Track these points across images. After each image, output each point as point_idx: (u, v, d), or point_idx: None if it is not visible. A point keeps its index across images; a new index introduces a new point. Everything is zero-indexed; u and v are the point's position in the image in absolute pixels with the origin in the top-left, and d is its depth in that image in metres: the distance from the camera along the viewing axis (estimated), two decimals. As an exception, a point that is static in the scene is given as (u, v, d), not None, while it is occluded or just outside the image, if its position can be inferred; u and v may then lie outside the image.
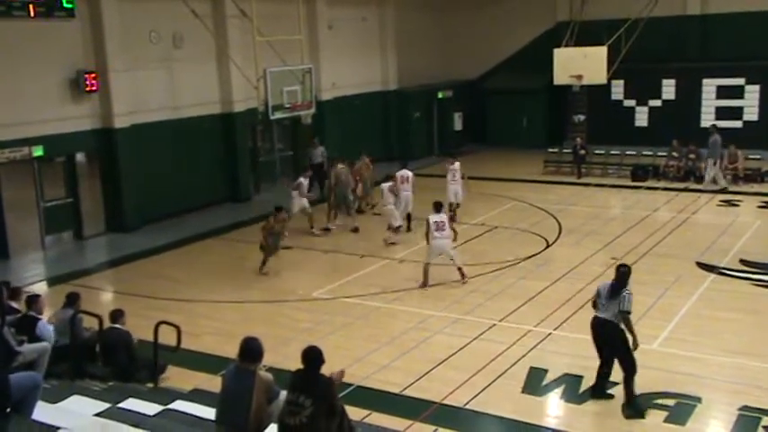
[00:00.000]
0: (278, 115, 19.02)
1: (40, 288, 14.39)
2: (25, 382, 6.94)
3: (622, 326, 8.83)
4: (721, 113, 25.84)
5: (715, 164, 21.67)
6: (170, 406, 8.23)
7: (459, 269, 13.89)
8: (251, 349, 6.54)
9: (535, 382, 9.88)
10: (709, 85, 26.34)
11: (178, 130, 20.18)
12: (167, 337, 9.54)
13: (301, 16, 20.43)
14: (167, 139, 19.91)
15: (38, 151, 17.05)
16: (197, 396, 8.80)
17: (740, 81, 25.85)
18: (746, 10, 25.72)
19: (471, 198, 19.26)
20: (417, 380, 10.03)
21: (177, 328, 9.47)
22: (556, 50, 23.95)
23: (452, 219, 17.43)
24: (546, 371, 10.17)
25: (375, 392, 9.71)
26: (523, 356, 10.66)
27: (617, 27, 23.53)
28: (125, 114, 18.63)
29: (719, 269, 14.30)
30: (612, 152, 24.66)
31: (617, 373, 9.13)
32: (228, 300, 13.71)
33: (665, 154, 23.32)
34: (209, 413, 7.35)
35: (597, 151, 24.82)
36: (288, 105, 19.06)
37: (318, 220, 18.21)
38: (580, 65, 23.18)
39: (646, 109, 27.50)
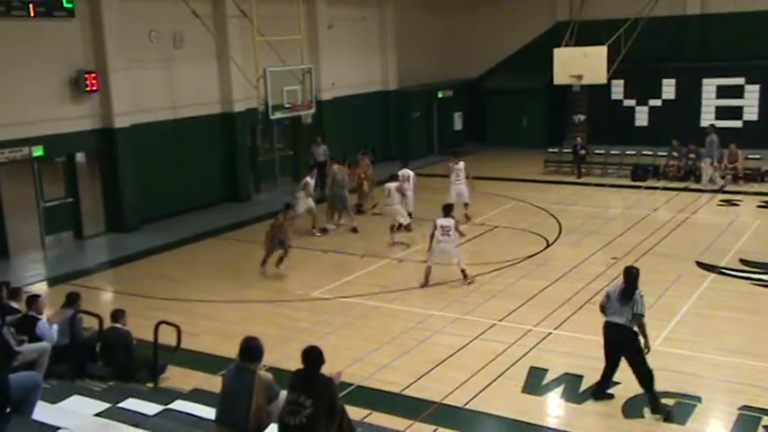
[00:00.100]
0: (278, 115, 19.04)
1: (40, 288, 14.40)
2: (25, 382, 6.95)
3: (636, 329, 8.76)
4: (721, 113, 25.88)
5: (711, 164, 21.71)
6: (170, 406, 8.23)
7: (463, 271, 13.89)
8: (251, 349, 6.54)
9: (535, 382, 9.88)
10: (709, 85, 26.39)
11: (178, 130, 20.18)
12: (167, 337, 9.55)
13: (301, 16, 20.45)
14: (167, 138, 19.92)
15: (38, 151, 17.05)
16: (197, 396, 8.80)
17: (740, 81, 25.89)
18: (746, 10, 25.75)
19: (472, 198, 19.23)
20: (417, 380, 10.03)
21: (177, 327, 9.47)
22: (556, 50, 23.96)
23: (467, 218, 17.49)
24: (546, 370, 10.17)
25: (375, 392, 9.71)
26: (523, 356, 10.66)
27: (617, 27, 23.54)
28: (125, 114, 18.62)
29: (719, 269, 14.29)
30: (612, 152, 24.66)
31: (618, 374, 9.13)
32: (228, 299, 13.70)
33: (665, 154, 23.32)
34: (209, 413, 7.36)
35: (597, 151, 24.82)
36: (288, 105, 19.08)
37: (319, 220, 18.22)
38: (580, 65, 23.19)
39: (646, 109, 27.54)
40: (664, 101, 27.22)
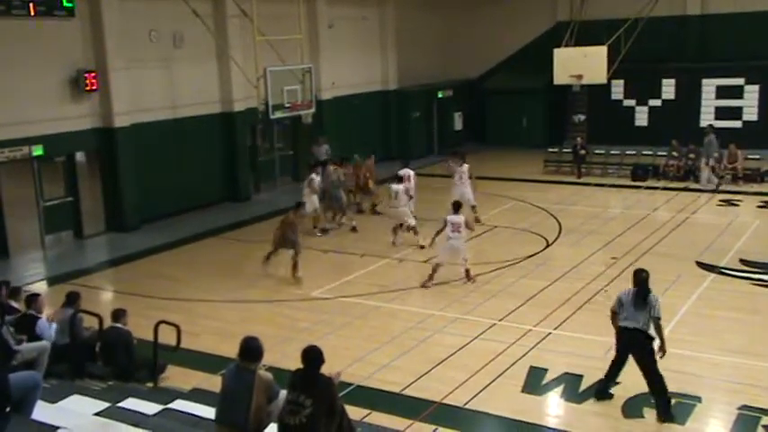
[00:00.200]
0: (278, 115, 19.03)
1: (40, 287, 14.38)
2: (25, 382, 6.95)
3: (652, 332, 8.70)
4: (721, 113, 25.90)
5: (707, 163, 21.74)
6: (170, 405, 8.24)
7: (467, 271, 13.90)
8: (251, 348, 6.55)
9: (535, 382, 9.88)
10: (709, 85, 26.40)
11: (178, 130, 20.18)
12: (167, 337, 9.55)
13: (301, 16, 20.44)
14: (167, 138, 19.91)
15: (38, 150, 17.04)
16: (197, 395, 8.80)
17: (740, 81, 25.90)
18: (746, 10, 25.77)
19: (475, 199, 19.22)
20: (417, 379, 10.03)
21: (177, 327, 9.47)
22: (556, 50, 23.96)
23: (477, 220, 17.48)
24: (546, 370, 10.17)
25: (375, 392, 9.71)
26: (523, 356, 10.66)
27: (617, 27, 23.55)
28: (125, 113, 18.62)
29: (719, 269, 14.30)
30: (612, 152, 24.67)
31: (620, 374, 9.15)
32: (228, 299, 13.70)
33: (664, 154, 23.33)
34: (208, 412, 7.36)
35: (597, 151, 24.83)
36: (288, 105, 19.07)
37: (321, 220, 18.21)
38: (580, 65, 23.19)
39: (646, 109, 27.55)
40: (663, 101, 27.23)
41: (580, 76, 23.34)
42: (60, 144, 17.60)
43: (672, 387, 8.87)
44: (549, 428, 8.83)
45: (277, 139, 24.20)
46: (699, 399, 9.23)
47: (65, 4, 16.47)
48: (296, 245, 14.49)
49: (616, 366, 9.11)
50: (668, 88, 27.14)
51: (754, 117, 25.73)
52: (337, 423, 6.44)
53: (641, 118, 27.65)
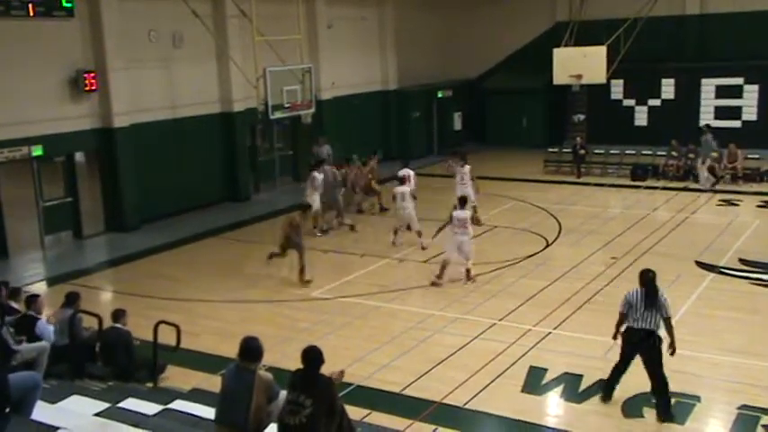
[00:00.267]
0: (277, 115, 19.00)
1: (40, 288, 14.39)
2: (25, 382, 6.95)
3: (660, 333, 8.67)
4: (720, 113, 25.91)
5: (703, 163, 21.75)
6: (170, 406, 8.23)
7: (468, 270, 13.91)
8: (251, 349, 6.55)
9: (535, 382, 9.88)
10: (708, 85, 26.40)
11: (178, 130, 20.17)
12: (167, 337, 9.54)
13: (301, 16, 20.42)
14: (167, 138, 19.90)
15: (37, 151, 17.04)
16: (196, 396, 8.80)
17: (739, 81, 25.91)
18: (745, 10, 25.77)
19: (476, 199, 19.21)
20: (417, 379, 10.03)
21: (177, 327, 9.47)
22: (555, 50, 23.94)
23: (478, 222, 17.47)
24: (546, 370, 10.17)
25: (375, 392, 9.71)
26: (523, 356, 10.66)
27: (616, 27, 23.54)
28: (124, 114, 18.61)
29: (719, 268, 14.30)
30: (612, 152, 24.68)
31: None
32: (228, 299, 13.70)
33: (664, 153, 23.33)
34: (208, 413, 7.36)
35: (597, 151, 24.83)
36: (287, 105, 19.05)
37: (321, 220, 18.19)
38: (580, 64, 23.18)
39: (645, 108, 27.56)
40: (663, 101, 27.24)
41: (580, 76, 23.33)
42: (60, 144, 17.59)
43: (672, 387, 8.86)
44: (549, 428, 8.83)
45: (277, 140, 24.20)
46: (698, 398, 9.23)
47: (64, 4, 16.47)
48: (299, 247, 14.43)
49: (622, 366, 9.05)
50: (668, 88, 27.14)
51: (754, 117, 25.74)
52: (337, 423, 6.44)
53: (641, 118, 27.66)
